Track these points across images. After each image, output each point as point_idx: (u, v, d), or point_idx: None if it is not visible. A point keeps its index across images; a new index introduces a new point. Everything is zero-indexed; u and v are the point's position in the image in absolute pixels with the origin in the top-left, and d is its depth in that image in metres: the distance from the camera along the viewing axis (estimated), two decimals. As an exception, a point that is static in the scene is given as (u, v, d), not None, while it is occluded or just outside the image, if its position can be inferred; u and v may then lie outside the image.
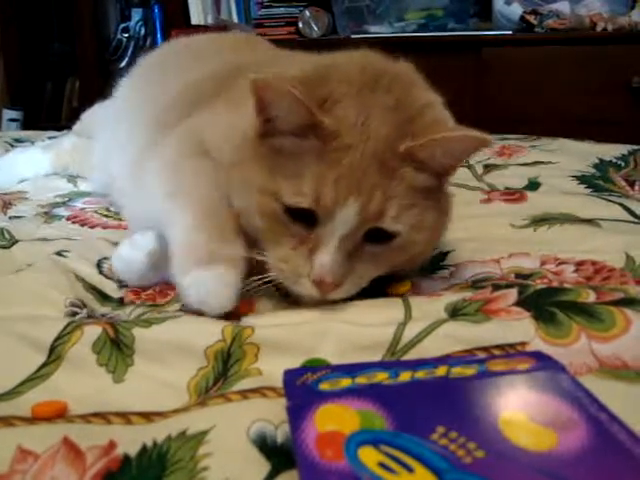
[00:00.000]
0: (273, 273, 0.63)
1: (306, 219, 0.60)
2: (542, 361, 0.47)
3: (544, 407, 0.40)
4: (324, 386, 0.44)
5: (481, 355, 0.51)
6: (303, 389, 0.45)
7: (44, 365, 0.55)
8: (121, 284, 0.75)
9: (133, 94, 1.04)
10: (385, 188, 0.59)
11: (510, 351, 0.53)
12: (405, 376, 0.45)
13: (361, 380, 0.44)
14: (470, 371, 0.45)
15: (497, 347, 0.54)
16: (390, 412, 0.40)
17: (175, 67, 1.02)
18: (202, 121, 0.77)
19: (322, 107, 0.59)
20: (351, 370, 0.46)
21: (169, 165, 0.75)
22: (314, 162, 0.59)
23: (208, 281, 0.61)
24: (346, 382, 0.44)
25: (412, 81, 0.68)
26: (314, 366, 0.49)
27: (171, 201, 0.69)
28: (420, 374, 0.45)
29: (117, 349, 0.57)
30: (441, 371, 0.45)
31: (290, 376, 0.47)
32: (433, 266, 0.75)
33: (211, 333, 0.57)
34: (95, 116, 1.25)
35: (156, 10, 2.66)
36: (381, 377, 0.45)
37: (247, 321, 0.61)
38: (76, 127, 1.31)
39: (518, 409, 0.40)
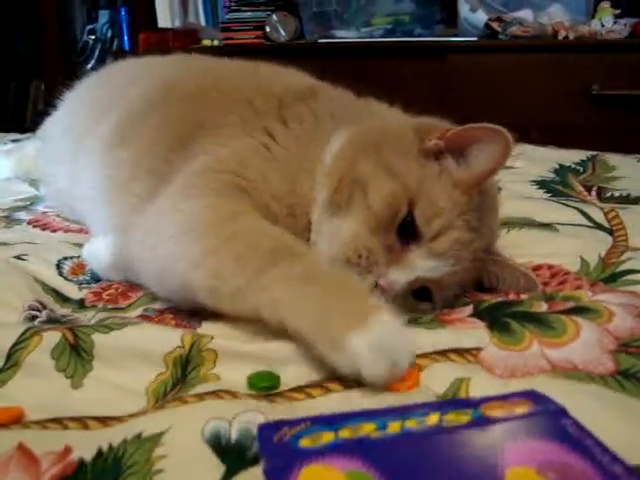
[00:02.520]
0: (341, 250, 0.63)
1: (398, 224, 0.63)
2: (540, 403, 0.43)
3: (553, 460, 0.37)
4: (305, 442, 0.39)
5: (474, 398, 0.48)
6: (282, 447, 0.40)
7: (0, 371, 0.54)
8: (81, 285, 0.75)
9: (80, 110, 1.02)
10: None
11: (467, 356, 0.55)
12: (394, 427, 0.41)
13: (345, 434, 0.40)
14: (465, 418, 0.41)
15: (453, 351, 0.55)
16: (381, 472, 0.36)
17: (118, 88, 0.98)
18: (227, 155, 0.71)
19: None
20: (333, 422, 0.42)
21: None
22: (445, 190, 0.64)
23: (385, 336, 0.50)
24: (329, 437, 0.40)
25: None
26: (290, 420, 0.43)
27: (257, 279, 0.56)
28: (410, 424, 0.41)
29: (76, 355, 0.56)
30: (433, 419, 0.41)
31: (266, 432, 0.42)
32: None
33: (170, 340, 0.58)
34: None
35: (123, 12, 2.64)
36: (368, 429, 0.40)
37: (205, 330, 0.61)
38: (39, 132, 1.30)
39: (525, 463, 0.36)
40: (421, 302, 0.65)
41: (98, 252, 0.75)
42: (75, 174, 0.90)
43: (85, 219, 0.92)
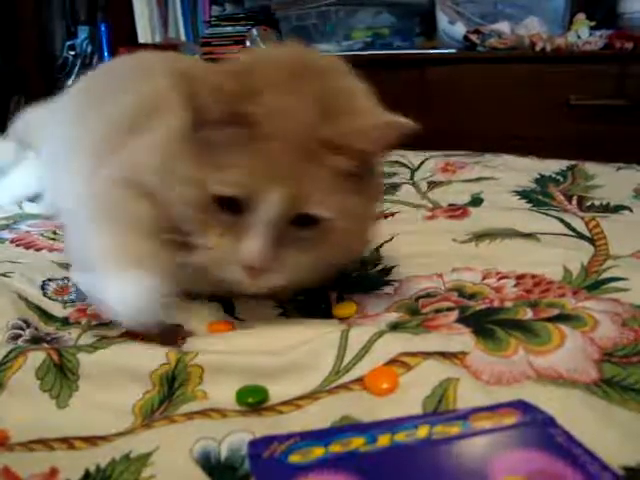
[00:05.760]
0: (202, 261, 0.63)
1: (232, 207, 0.60)
2: (528, 413, 0.44)
3: (543, 469, 0.37)
4: (295, 458, 0.40)
5: (462, 409, 0.47)
6: (271, 463, 0.40)
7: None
8: (66, 304, 0.75)
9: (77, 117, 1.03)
10: (308, 174, 0.60)
11: (454, 360, 0.55)
12: (384, 440, 0.41)
13: (335, 448, 0.41)
14: (454, 430, 0.42)
15: (439, 354, 0.55)
16: None
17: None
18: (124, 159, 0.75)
19: (248, 97, 0.59)
20: (323, 437, 0.42)
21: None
22: (239, 151, 0.59)
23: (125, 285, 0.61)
24: (319, 451, 0.40)
25: (338, 71, 0.68)
26: (279, 435, 0.44)
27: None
28: (400, 437, 0.41)
29: (61, 374, 0.56)
30: (423, 432, 0.42)
31: (255, 448, 0.42)
32: (378, 282, 0.76)
33: (155, 357, 0.57)
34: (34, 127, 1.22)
35: (103, 28, 2.64)
36: (357, 443, 0.41)
37: (190, 346, 0.61)
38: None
39: (515, 473, 0.37)
40: (302, 229, 0.62)
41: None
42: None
43: None
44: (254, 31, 2.24)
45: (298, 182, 0.59)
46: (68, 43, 2.68)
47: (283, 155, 0.59)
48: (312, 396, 0.52)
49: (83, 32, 2.71)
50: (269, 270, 0.61)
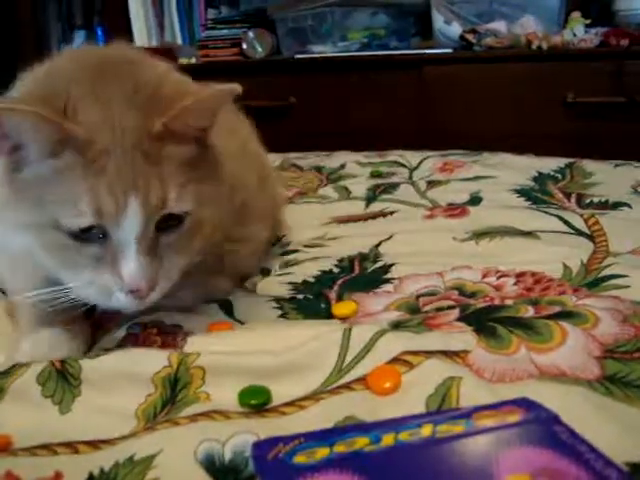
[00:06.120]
0: (81, 299, 0.61)
1: (93, 236, 0.57)
2: (532, 410, 0.44)
3: (547, 467, 0.37)
4: (300, 459, 0.40)
5: (466, 408, 0.47)
6: (276, 464, 0.40)
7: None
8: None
9: None
10: (157, 174, 0.57)
11: (455, 358, 0.55)
12: (388, 440, 0.41)
13: (340, 448, 0.40)
14: (458, 428, 0.42)
15: (441, 352, 0.55)
16: None
17: None
18: None
19: (65, 117, 0.56)
20: (327, 437, 0.42)
21: None
22: (80, 177, 0.55)
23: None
24: (324, 452, 0.40)
25: (136, 59, 0.65)
26: (284, 436, 0.43)
27: None
28: (404, 436, 0.41)
29: (63, 380, 0.56)
30: (426, 431, 0.42)
31: (260, 450, 0.42)
32: (377, 281, 0.76)
33: (157, 360, 0.57)
34: None
35: (99, 32, 2.64)
36: (361, 443, 0.41)
37: (190, 347, 0.61)
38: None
39: (519, 471, 0.37)
40: (168, 232, 0.60)
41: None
42: None
43: None
44: (250, 33, 2.24)
45: (149, 187, 0.56)
46: (65, 47, 2.68)
47: (124, 165, 0.56)
48: (314, 397, 0.52)
49: (79, 36, 2.71)
50: (154, 286, 0.58)
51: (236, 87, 0.59)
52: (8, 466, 0.44)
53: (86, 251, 0.57)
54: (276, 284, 0.78)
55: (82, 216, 0.55)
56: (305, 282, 0.77)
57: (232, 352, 0.59)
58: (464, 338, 0.57)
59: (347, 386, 0.53)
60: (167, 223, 0.59)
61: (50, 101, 0.56)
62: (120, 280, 0.57)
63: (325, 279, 0.78)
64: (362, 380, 0.53)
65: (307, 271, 0.80)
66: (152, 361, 0.57)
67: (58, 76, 0.60)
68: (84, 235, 0.56)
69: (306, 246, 0.91)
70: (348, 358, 0.56)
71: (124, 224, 0.56)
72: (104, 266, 0.57)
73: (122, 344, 0.64)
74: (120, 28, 2.55)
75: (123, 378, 0.56)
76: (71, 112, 0.56)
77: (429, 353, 0.55)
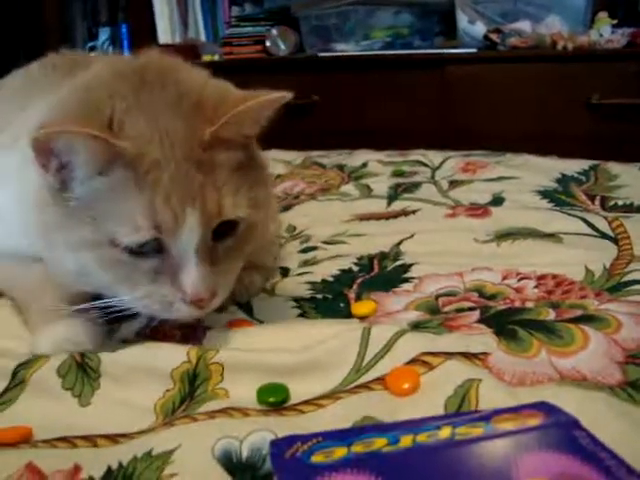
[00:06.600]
0: (139, 310, 0.60)
1: (153, 249, 0.57)
2: (552, 414, 0.43)
3: (567, 472, 0.37)
4: (317, 458, 0.40)
5: (485, 410, 0.46)
6: (294, 463, 0.40)
7: (6, 390, 0.54)
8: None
9: None
10: (211, 182, 0.57)
11: (475, 360, 0.54)
12: (406, 441, 0.41)
13: (358, 448, 0.40)
14: (477, 431, 0.41)
15: (461, 354, 0.55)
16: None
17: None
18: None
19: (112, 132, 0.55)
20: (345, 437, 0.42)
21: None
22: (134, 192, 0.55)
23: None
24: (341, 452, 0.40)
25: (174, 66, 0.65)
26: (302, 435, 0.43)
27: None
28: (422, 437, 0.41)
29: (83, 373, 0.56)
30: (445, 433, 0.41)
31: (278, 448, 0.42)
32: (397, 280, 0.76)
33: (176, 355, 0.57)
34: None
35: (124, 29, 2.66)
36: (380, 444, 0.41)
37: (210, 342, 0.61)
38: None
39: (538, 475, 0.36)
40: (224, 238, 0.60)
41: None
42: None
43: None
44: (274, 31, 2.25)
45: (205, 195, 0.56)
46: (89, 44, 2.71)
47: (177, 176, 0.55)
48: (333, 396, 0.52)
49: (104, 33, 2.74)
50: (216, 294, 0.59)
51: (285, 94, 0.59)
52: (29, 457, 0.45)
53: (144, 265, 0.57)
54: (295, 284, 0.78)
55: (140, 231, 0.55)
56: (324, 281, 0.77)
57: (251, 349, 0.59)
58: (484, 340, 0.57)
59: (366, 386, 0.53)
60: (222, 230, 0.59)
61: (95, 117, 0.56)
62: (181, 291, 0.56)
63: (344, 278, 0.78)
64: (381, 380, 0.53)
65: (326, 270, 0.80)
66: (171, 356, 0.57)
67: (99, 89, 0.60)
68: (141, 249, 0.56)
69: (326, 242, 0.91)
70: (367, 357, 0.56)
71: (183, 236, 0.55)
72: (163, 278, 0.57)
73: (141, 334, 0.65)
74: (144, 25, 2.57)
75: (142, 372, 0.56)
76: (117, 126, 0.56)
77: (449, 354, 0.55)
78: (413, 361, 0.55)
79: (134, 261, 0.56)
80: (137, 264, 0.57)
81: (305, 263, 0.84)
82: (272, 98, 0.59)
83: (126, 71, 0.62)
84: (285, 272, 0.83)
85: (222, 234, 0.59)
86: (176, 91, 0.59)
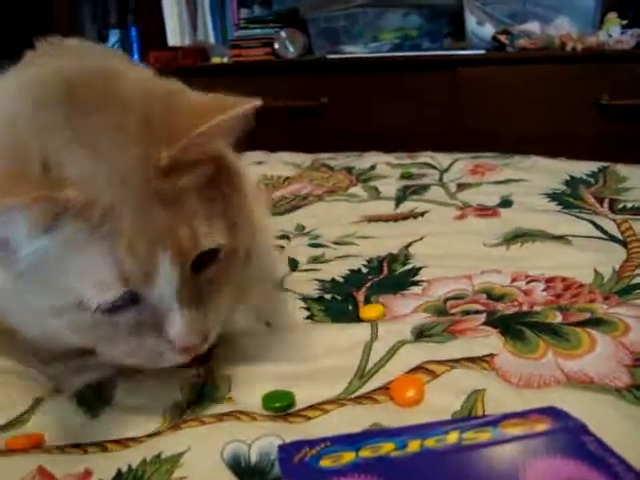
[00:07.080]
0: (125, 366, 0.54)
1: (130, 301, 0.47)
2: (560, 419, 0.43)
3: (575, 477, 0.36)
4: (325, 462, 0.40)
5: (493, 415, 0.46)
6: (302, 468, 0.40)
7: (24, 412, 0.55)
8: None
9: None
10: (180, 214, 0.47)
11: (481, 363, 0.55)
12: (414, 446, 0.40)
13: (366, 453, 0.40)
14: (484, 436, 0.41)
15: (466, 359, 0.55)
16: None
17: None
18: None
19: (50, 180, 0.44)
20: (353, 441, 0.42)
21: None
22: (92, 245, 0.45)
23: None
24: (349, 456, 0.40)
25: (108, 72, 0.52)
26: (310, 440, 0.43)
27: None
28: (430, 442, 0.41)
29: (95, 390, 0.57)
30: (453, 438, 0.41)
31: (286, 453, 0.42)
32: (405, 283, 0.76)
33: (186, 371, 0.57)
34: None
35: (133, 32, 2.67)
36: (387, 448, 0.40)
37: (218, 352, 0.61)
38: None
39: None
40: (205, 269, 0.50)
41: None
42: None
43: None
44: (282, 33, 2.25)
45: (175, 232, 0.46)
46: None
47: (138, 216, 0.45)
48: (338, 402, 0.52)
49: (114, 36, 2.75)
50: (208, 335, 0.51)
51: (255, 102, 0.49)
52: (41, 461, 0.46)
53: (121, 320, 0.48)
54: (304, 281, 0.78)
55: (109, 289, 0.45)
56: (334, 281, 0.77)
57: (257, 356, 0.59)
58: (489, 342, 0.57)
59: (370, 397, 0.53)
60: (201, 260, 0.49)
61: (25, 166, 0.44)
62: (168, 342, 0.49)
63: (354, 279, 0.78)
64: (385, 389, 0.53)
65: (335, 270, 0.80)
66: (181, 371, 0.57)
67: (21, 123, 0.47)
68: (116, 304, 0.47)
69: (335, 243, 0.91)
70: (370, 363, 0.56)
71: (158, 283, 0.46)
72: (145, 331, 0.49)
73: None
74: (153, 27, 2.58)
75: (153, 380, 0.56)
76: (55, 171, 0.44)
77: (454, 362, 0.55)
78: (417, 369, 0.55)
79: (109, 319, 0.48)
80: (114, 321, 0.48)
81: (314, 260, 0.85)
82: (242, 111, 0.48)
83: (50, 91, 0.49)
84: (294, 265, 0.83)
85: (202, 264, 0.50)
86: (116, 108, 0.48)
